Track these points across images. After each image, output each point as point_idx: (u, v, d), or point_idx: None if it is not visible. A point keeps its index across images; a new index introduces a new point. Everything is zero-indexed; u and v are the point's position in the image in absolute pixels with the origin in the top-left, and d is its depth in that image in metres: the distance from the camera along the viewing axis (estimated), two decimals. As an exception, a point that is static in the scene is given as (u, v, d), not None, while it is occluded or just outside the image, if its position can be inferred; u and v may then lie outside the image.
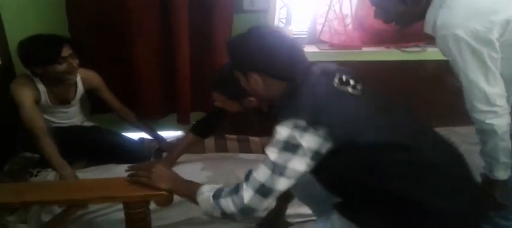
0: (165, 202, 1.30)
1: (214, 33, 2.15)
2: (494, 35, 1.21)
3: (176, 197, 1.85)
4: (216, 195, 1.25)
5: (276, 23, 2.04)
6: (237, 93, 1.70)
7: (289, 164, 1.14)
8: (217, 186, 1.31)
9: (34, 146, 1.87)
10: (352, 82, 1.26)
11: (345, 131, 1.15)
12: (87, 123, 2.25)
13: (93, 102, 2.33)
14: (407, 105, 1.38)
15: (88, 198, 1.25)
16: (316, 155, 1.15)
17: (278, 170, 1.15)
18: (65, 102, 2.03)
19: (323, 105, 1.17)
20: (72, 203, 1.25)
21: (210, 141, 2.52)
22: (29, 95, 1.84)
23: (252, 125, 2.54)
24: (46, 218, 1.71)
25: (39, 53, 1.79)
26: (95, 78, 2.11)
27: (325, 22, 2.32)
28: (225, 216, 1.23)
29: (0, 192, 1.24)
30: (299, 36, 2.54)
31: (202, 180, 1.99)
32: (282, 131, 1.15)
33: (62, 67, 1.83)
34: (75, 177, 1.77)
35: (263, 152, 2.34)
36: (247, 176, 1.23)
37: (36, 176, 1.96)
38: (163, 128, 2.54)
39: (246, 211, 1.20)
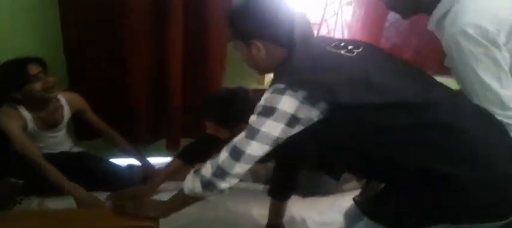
0: (152, 233, 1.27)
1: (208, 59, 2.17)
2: (501, 39, 1.13)
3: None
4: (197, 171, 1.26)
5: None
6: (229, 121, 1.69)
7: (262, 127, 1.12)
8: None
9: (21, 171, 1.84)
10: (349, 47, 1.21)
11: (323, 92, 1.09)
12: (75, 149, 2.22)
13: (79, 129, 2.31)
14: (418, 69, 1.28)
15: (71, 229, 1.22)
16: (293, 121, 1.11)
17: (251, 133, 1.14)
18: (53, 126, 2.01)
19: (305, 66, 1.15)
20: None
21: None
22: (16, 124, 1.82)
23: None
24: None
25: (7, 76, 1.81)
26: (78, 99, 2.10)
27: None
28: (204, 186, 1.22)
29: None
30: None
31: (190, 209, 1.93)
32: (264, 96, 1.15)
33: (37, 85, 1.82)
34: (90, 197, 1.76)
35: (252, 180, 2.37)
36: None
37: (20, 203, 1.91)
38: (152, 154, 2.51)
39: (219, 173, 1.18)
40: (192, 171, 1.27)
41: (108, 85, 2.18)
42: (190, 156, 2.03)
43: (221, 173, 1.18)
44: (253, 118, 1.15)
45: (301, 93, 1.08)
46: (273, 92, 1.12)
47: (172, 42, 2.07)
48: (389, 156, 1.09)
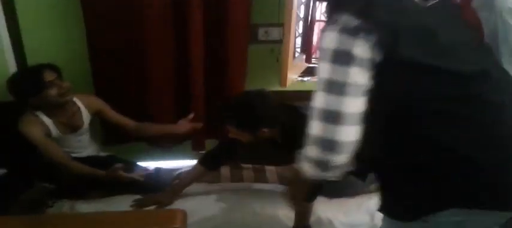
0: (178, 236, 1.28)
1: (230, 63, 2.18)
2: None
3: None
4: (299, 154, 1.07)
5: (290, 53, 2.04)
6: (249, 125, 1.69)
7: (348, 78, 0.92)
8: None
9: (50, 176, 1.89)
10: None
11: (393, 35, 0.92)
12: (103, 153, 2.26)
13: (107, 133, 2.36)
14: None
15: (101, 232, 1.24)
16: (371, 65, 0.93)
17: (336, 87, 0.93)
18: (75, 129, 2.06)
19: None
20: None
21: (225, 171, 2.50)
22: (38, 130, 1.88)
23: (268, 154, 2.53)
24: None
25: (25, 83, 1.86)
26: (95, 100, 2.14)
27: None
28: (318, 166, 1.01)
29: (16, 225, 1.24)
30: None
31: (216, 212, 1.96)
32: (328, 37, 0.94)
33: (53, 91, 1.87)
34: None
35: (279, 182, 2.36)
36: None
37: (51, 206, 1.96)
38: (178, 156, 2.54)
39: (324, 145, 0.97)
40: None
41: (132, 89, 2.22)
42: (212, 162, 2.04)
43: (325, 144, 0.97)
44: (326, 69, 0.95)
45: (372, 35, 0.91)
46: (342, 31, 0.92)
47: (194, 45, 2.09)
48: (425, 132, 0.98)
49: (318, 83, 0.97)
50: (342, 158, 0.97)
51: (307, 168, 1.04)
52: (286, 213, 1.96)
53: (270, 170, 2.53)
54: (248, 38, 2.20)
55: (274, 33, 2.23)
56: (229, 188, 2.26)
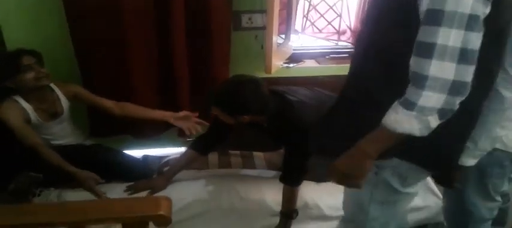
0: (164, 223, 1.29)
1: (213, 50, 2.17)
2: None
3: (178, 216, 1.88)
4: (406, 103, 0.96)
5: (274, 40, 2.04)
6: (233, 110, 1.71)
7: (475, 10, 0.88)
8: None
9: (36, 165, 1.90)
10: None
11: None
12: (88, 142, 2.26)
13: (94, 125, 2.35)
14: None
15: (85, 220, 1.24)
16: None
17: (472, 22, 0.89)
18: (55, 116, 2.05)
19: None
20: (70, 225, 1.24)
21: (213, 157, 2.51)
22: (17, 115, 1.89)
23: (255, 139, 2.54)
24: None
25: (1, 66, 1.88)
26: (72, 85, 2.12)
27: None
28: (440, 115, 0.96)
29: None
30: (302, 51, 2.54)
31: (205, 197, 1.99)
32: None
33: (29, 75, 1.87)
34: (89, 174, 1.86)
35: (267, 168, 2.38)
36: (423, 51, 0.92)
37: (39, 195, 1.98)
38: (165, 144, 2.55)
39: (454, 88, 0.91)
40: (395, 112, 0.99)
41: (115, 79, 2.20)
42: (204, 147, 2.05)
43: (458, 86, 0.91)
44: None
45: None
46: None
47: (176, 33, 2.07)
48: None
49: (443, 19, 0.89)
50: (458, 102, 0.94)
51: (420, 122, 0.96)
52: (273, 198, 2.00)
53: (258, 155, 2.55)
54: (231, 25, 2.19)
55: (258, 19, 2.22)
56: (217, 174, 2.29)
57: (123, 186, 2.04)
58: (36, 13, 2.07)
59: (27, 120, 1.93)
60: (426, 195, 2.08)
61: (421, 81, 0.92)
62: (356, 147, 1.09)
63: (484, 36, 0.92)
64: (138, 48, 2.09)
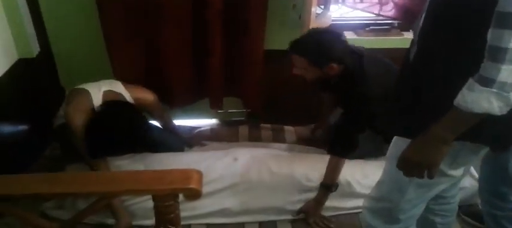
0: (194, 196, 1.28)
1: (248, 19, 2.09)
2: None
3: (208, 188, 1.88)
4: (483, 79, 0.88)
5: (313, 8, 1.95)
6: (320, 59, 1.69)
7: None
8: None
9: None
10: None
11: None
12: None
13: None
14: None
15: (116, 192, 1.25)
16: None
17: None
18: None
19: None
20: (101, 195, 1.24)
21: (243, 130, 2.50)
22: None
23: (288, 114, 2.50)
24: (82, 204, 1.76)
25: None
26: (144, 92, 2.10)
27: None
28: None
29: (33, 183, 1.25)
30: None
31: (234, 170, 1.97)
32: None
33: None
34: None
35: (297, 142, 2.35)
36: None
37: (73, 163, 2.02)
38: (195, 115, 2.54)
39: None
40: (471, 90, 0.90)
41: (148, 48, 2.17)
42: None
43: None
44: None
45: None
46: None
47: (211, 3, 2.01)
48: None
49: None
50: None
51: (501, 100, 0.88)
52: (303, 172, 1.96)
53: (289, 129, 2.52)
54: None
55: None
56: (247, 146, 2.27)
57: (152, 156, 2.06)
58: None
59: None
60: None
61: (501, 54, 0.84)
62: (429, 132, 1.01)
63: None
64: (172, 22, 2.05)
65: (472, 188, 1.99)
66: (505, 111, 0.89)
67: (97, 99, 1.89)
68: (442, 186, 1.29)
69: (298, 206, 1.95)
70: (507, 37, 0.82)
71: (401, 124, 1.16)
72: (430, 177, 1.07)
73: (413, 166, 1.09)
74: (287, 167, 2.00)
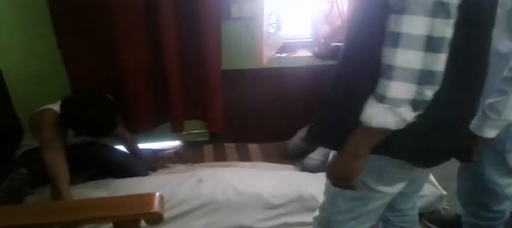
0: (156, 220, 1.28)
1: (203, 41, 2.12)
2: None
3: (174, 211, 1.87)
4: (380, 97, 0.92)
5: (265, 29, 2.00)
6: None
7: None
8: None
9: (30, 163, 1.87)
10: None
11: None
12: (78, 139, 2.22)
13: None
14: None
15: (76, 220, 1.23)
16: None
17: (441, 10, 0.84)
18: None
19: None
20: (62, 225, 1.23)
21: (208, 150, 2.50)
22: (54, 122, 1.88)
23: (251, 132, 2.53)
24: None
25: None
26: None
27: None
28: (414, 107, 0.92)
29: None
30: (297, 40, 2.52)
31: (199, 192, 1.97)
32: None
33: None
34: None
35: (262, 160, 2.37)
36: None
37: (32, 194, 1.97)
38: (158, 139, 2.53)
39: (422, 78, 0.87)
40: (369, 106, 0.95)
41: (105, 78, 2.17)
42: None
43: (427, 76, 0.87)
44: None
45: None
46: None
47: (166, 26, 2.03)
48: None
49: (404, 7, 0.85)
50: (431, 93, 0.90)
51: (394, 115, 0.92)
52: (269, 190, 1.98)
53: (253, 148, 2.54)
54: (221, 15, 2.14)
55: (248, 9, 2.16)
56: (212, 167, 2.27)
57: (115, 182, 2.03)
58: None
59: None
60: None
61: (388, 71, 0.89)
62: (343, 148, 1.07)
63: (467, 26, 0.90)
64: (127, 42, 2.05)
65: (433, 195, 2.07)
66: (401, 125, 0.94)
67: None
68: (379, 202, 1.28)
69: (266, 223, 1.95)
70: (392, 55, 0.88)
71: (326, 137, 1.19)
72: (351, 188, 1.12)
73: (334, 177, 1.14)
74: (253, 186, 2.01)
